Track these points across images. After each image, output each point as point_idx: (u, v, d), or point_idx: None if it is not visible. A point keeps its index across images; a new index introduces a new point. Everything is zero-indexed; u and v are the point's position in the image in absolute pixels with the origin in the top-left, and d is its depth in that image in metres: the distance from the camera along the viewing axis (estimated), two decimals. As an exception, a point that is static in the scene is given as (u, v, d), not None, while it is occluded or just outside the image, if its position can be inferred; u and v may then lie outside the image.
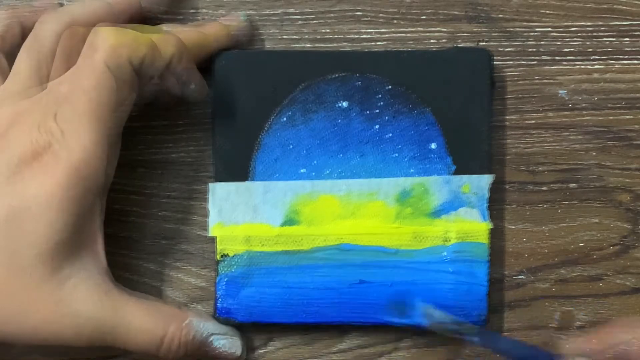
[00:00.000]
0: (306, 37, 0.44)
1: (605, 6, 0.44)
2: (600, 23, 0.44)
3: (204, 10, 0.44)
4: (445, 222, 0.42)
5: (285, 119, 0.42)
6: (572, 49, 0.44)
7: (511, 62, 0.44)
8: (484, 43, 0.44)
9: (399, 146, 0.42)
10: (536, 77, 0.44)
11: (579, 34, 0.44)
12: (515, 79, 0.44)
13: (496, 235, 0.43)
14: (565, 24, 0.44)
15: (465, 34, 0.44)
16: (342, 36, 0.44)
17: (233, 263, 0.42)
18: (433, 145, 0.42)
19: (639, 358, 0.36)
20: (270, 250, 0.42)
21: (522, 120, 0.44)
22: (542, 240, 0.44)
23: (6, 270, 0.37)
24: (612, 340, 0.37)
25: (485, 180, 0.42)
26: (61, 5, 0.43)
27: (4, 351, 0.43)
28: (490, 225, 0.42)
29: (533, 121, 0.44)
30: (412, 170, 0.42)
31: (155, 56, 0.37)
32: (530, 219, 0.44)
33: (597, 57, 0.44)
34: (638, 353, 0.36)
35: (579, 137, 0.44)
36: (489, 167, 0.42)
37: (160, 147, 0.44)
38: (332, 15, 0.44)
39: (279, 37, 0.44)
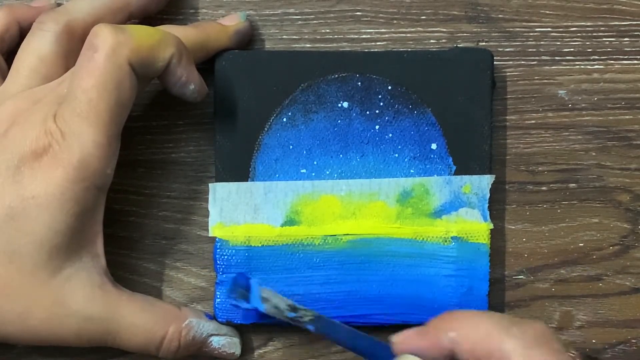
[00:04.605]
0: (306, 37, 0.44)
1: (605, 6, 0.44)
2: (600, 23, 0.44)
3: (204, 10, 0.44)
4: (446, 222, 0.42)
5: (285, 119, 0.42)
6: (572, 49, 0.44)
7: (511, 62, 0.44)
8: (484, 43, 0.44)
9: (400, 146, 0.42)
10: (536, 77, 0.44)
11: (578, 34, 0.44)
12: (515, 79, 0.44)
13: (496, 235, 0.43)
14: (565, 24, 0.44)
15: (465, 34, 0.44)
16: (342, 36, 0.44)
17: (233, 263, 0.42)
18: (434, 146, 0.42)
19: (466, 356, 0.34)
20: (270, 251, 0.42)
21: (522, 120, 0.44)
22: (542, 240, 0.44)
23: (6, 271, 0.37)
24: (440, 336, 0.35)
25: (486, 181, 0.42)
26: (59, 5, 0.43)
27: (4, 351, 0.43)
28: (490, 226, 0.42)
29: (533, 121, 0.44)
30: (412, 171, 0.42)
31: (155, 56, 0.37)
32: (530, 219, 0.44)
33: (597, 57, 0.44)
34: (465, 351, 0.34)
35: (579, 137, 0.44)
36: (490, 168, 0.42)
37: (160, 147, 0.44)
38: (332, 15, 0.44)
39: (279, 37, 0.44)
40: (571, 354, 0.34)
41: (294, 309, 0.39)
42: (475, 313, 0.36)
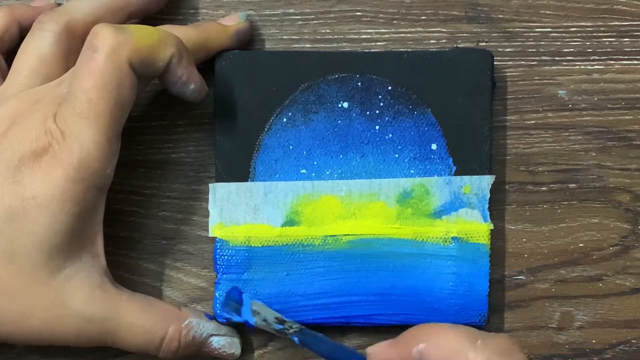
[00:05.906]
0: (306, 37, 0.44)
1: (605, 6, 0.44)
2: (600, 23, 0.44)
3: (204, 10, 0.44)
4: (446, 222, 0.42)
5: (285, 119, 0.42)
6: (571, 50, 0.44)
7: (511, 63, 0.44)
8: (484, 43, 0.44)
9: (400, 147, 0.42)
10: (536, 78, 0.44)
11: (578, 35, 0.44)
12: (515, 79, 0.44)
13: (496, 235, 0.43)
14: (565, 24, 0.44)
15: (465, 35, 0.44)
16: (342, 36, 0.44)
17: (233, 263, 0.42)
18: (434, 146, 0.42)
19: None
20: (270, 251, 0.42)
21: (522, 120, 0.44)
22: (542, 240, 0.44)
23: (6, 271, 0.37)
24: (410, 348, 0.36)
25: (486, 181, 0.42)
26: (59, 5, 0.42)
27: (4, 351, 0.43)
28: (491, 226, 0.42)
29: (533, 121, 0.44)
30: (412, 171, 0.42)
31: (155, 56, 0.37)
32: (530, 219, 0.44)
33: (597, 58, 0.44)
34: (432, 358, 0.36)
35: (579, 137, 0.44)
36: (490, 168, 0.42)
37: (160, 147, 0.44)
38: (332, 15, 0.44)
39: (279, 37, 0.44)
40: None
41: (281, 321, 0.40)
42: (444, 326, 0.37)
